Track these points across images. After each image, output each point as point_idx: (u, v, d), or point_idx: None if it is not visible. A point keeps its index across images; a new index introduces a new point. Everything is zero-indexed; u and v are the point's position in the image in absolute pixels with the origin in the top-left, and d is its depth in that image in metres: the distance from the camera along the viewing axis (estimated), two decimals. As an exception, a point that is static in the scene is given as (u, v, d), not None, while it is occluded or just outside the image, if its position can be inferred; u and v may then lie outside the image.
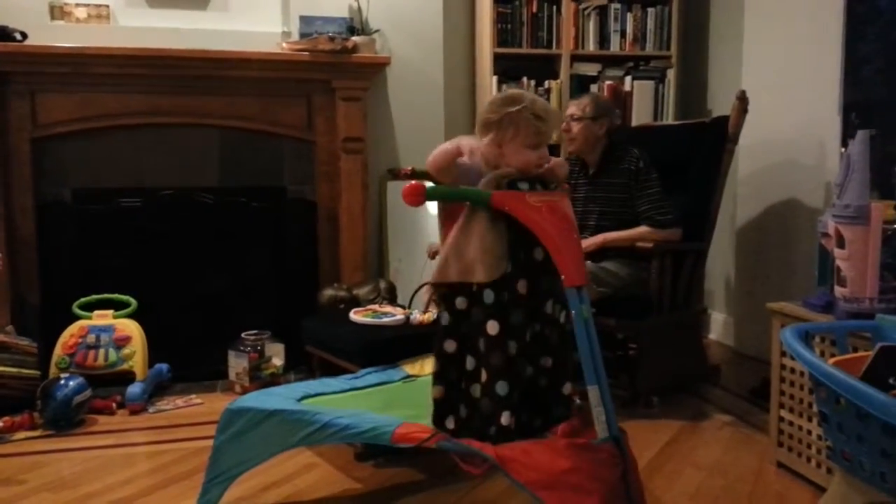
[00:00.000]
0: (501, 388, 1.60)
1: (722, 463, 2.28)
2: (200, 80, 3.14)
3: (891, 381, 1.44)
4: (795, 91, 3.11)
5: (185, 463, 2.29)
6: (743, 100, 2.90)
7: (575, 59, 3.72)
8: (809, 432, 2.09)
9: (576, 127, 2.88)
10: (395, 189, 3.46)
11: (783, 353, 2.18)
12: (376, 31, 3.38)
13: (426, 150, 3.62)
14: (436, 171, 1.68)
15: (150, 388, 2.87)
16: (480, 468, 1.57)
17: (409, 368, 2.30)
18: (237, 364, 2.95)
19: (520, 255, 1.62)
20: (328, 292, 3.12)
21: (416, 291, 2.98)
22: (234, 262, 3.33)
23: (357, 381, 2.18)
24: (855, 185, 1.96)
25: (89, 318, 2.91)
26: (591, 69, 3.75)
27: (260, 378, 2.93)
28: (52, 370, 2.77)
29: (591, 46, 3.73)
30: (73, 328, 2.87)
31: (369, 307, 2.83)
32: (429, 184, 1.66)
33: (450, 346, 1.67)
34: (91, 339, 2.84)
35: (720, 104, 3.65)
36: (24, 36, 2.95)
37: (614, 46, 3.75)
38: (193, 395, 2.91)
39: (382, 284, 3.16)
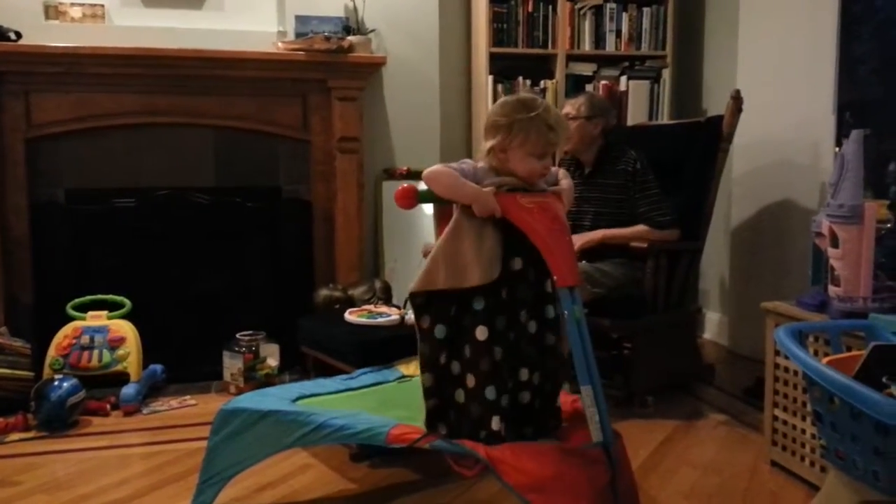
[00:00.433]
0: (490, 392, 1.60)
1: (716, 462, 2.28)
2: (196, 80, 3.13)
3: (884, 380, 1.45)
4: (790, 90, 3.11)
5: (180, 464, 2.28)
6: (737, 99, 2.90)
7: (570, 58, 3.72)
8: (803, 431, 2.10)
9: (573, 126, 2.88)
10: (391, 189, 3.45)
11: (777, 353, 2.18)
12: (372, 30, 3.38)
13: (422, 150, 3.68)
14: (441, 189, 1.64)
15: (144, 390, 2.86)
16: (473, 470, 1.57)
17: (404, 369, 2.30)
18: (232, 365, 2.95)
19: (506, 264, 1.62)
20: (323, 292, 3.12)
21: (411, 291, 2.97)
22: (229, 263, 3.33)
23: (352, 382, 2.17)
24: (849, 184, 1.96)
25: (83, 318, 2.90)
26: (586, 69, 3.76)
27: (255, 379, 2.93)
28: (46, 371, 2.76)
29: (587, 46, 3.73)
30: (67, 329, 2.86)
31: (364, 307, 2.83)
32: (421, 186, 1.66)
33: (443, 357, 1.65)
34: (85, 340, 2.83)
35: (715, 104, 3.65)
36: (19, 35, 2.94)
37: (610, 46, 3.75)
38: (188, 396, 2.90)
39: (378, 284, 3.16)
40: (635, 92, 3.74)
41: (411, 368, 2.29)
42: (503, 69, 3.66)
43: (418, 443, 1.60)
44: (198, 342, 3.13)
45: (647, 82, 3.75)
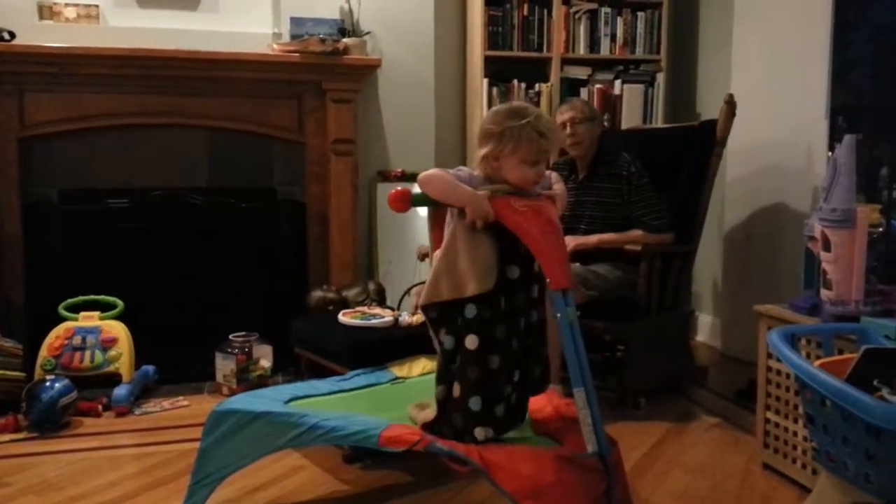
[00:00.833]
0: (475, 403, 1.60)
1: (709, 464, 2.29)
2: (190, 81, 3.12)
3: (875, 383, 1.45)
4: (783, 95, 3.13)
5: (172, 465, 2.27)
6: (731, 104, 2.92)
7: (565, 62, 3.73)
8: (795, 434, 2.11)
9: (580, 129, 2.88)
10: (385, 191, 3.43)
11: (769, 355, 2.19)
12: (367, 33, 3.38)
13: (417, 153, 3.68)
14: (435, 192, 1.64)
15: (136, 390, 2.85)
16: (466, 467, 1.57)
17: (398, 370, 2.30)
18: (225, 366, 2.94)
19: (502, 271, 1.62)
20: (317, 294, 3.11)
21: (405, 293, 2.98)
22: (223, 264, 3.32)
23: (345, 383, 2.17)
24: (841, 188, 1.97)
25: (75, 319, 2.89)
26: (581, 73, 3.77)
27: (248, 380, 2.92)
28: (38, 372, 2.75)
29: (582, 50, 3.74)
30: (59, 329, 2.85)
31: (358, 309, 2.82)
32: (415, 189, 1.66)
33: (453, 368, 1.65)
34: (77, 340, 2.82)
35: (709, 108, 3.67)
36: (13, 35, 2.93)
37: (604, 50, 3.76)
38: (180, 397, 2.89)
39: (372, 286, 3.16)
40: (629, 96, 3.75)
41: (404, 370, 2.29)
42: (498, 72, 3.67)
43: (413, 447, 1.60)
44: (190, 343, 3.12)
45: (641, 86, 3.77)
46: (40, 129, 3.03)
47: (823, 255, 2.02)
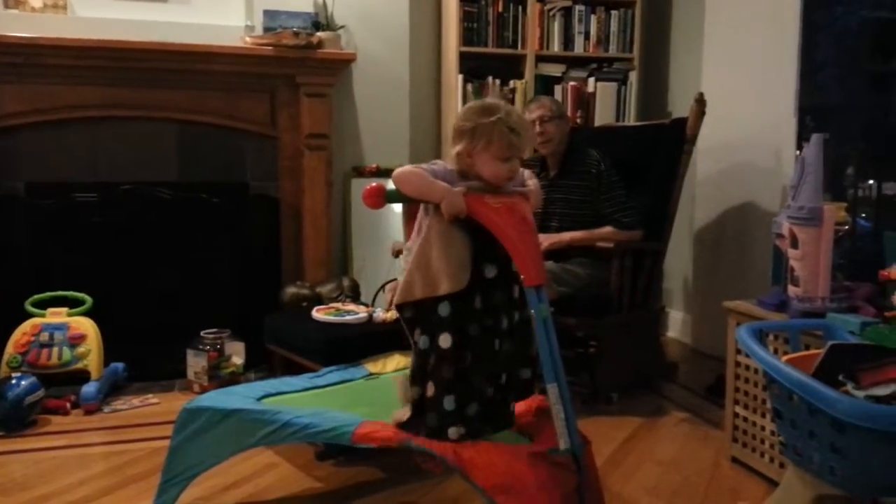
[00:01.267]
0: (448, 402, 1.60)
1: (679, 458, 2.32)
2: (160, 74, 3.08)
3: (841, 378, 1.48)
4: (753, 95, 3.17)
5: (142, 464, 2.25)
6: (700, 102, 2.95)
7: (540, 59, 3.74)
8: (763, 428, 2.14)
9: (550, 127, 2.90)
10: (360, 186, 3.44)
11: (738, 351, 2.23)
12: (342, 27, 3.36)
13: (391, 148, 3.67)
14: (410, 189, 1.63)
15: (105, 388, 2.81)
16: (439, 466, 1.57)
17: (371, 367, 2.29)
18: (196, 363, 2.91)
19: (477, 269, 1.62)
20: (290, 290, 3.09)
21: (379, 289, 2.97)
22: (194, 259, 3.27)
23: (318, 380, 2.16)
24: (808, 187, 2.01)
25: (43, 315, 2.83)
26: (555, 70, 3.78)
27: (219, 377, 2.89)
28: (3, 369, 2.70)
29: (556, 47, 3.76)
30: (26, 326, 2.79)
31: (332, 305, 2.81)
32: (389, 185, 1.66)
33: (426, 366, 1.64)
34: (44, 337, 2.77)
35: (680, 106, 3.71)
36: (-24, 24, 2.86)
37: (578, 48, 3.78)
38: (150, 395, 2.86)
39: (346, 282, 3.14)
40: (603, 93, 3.78)
41: (378, 366, 2.28)
42: (473, 68, 3.67)
43: (387, 444, 1.60)
44: (161, 340, 3.08)
45: (614, 84, 3.79)
46: (5, 121, 2.96)
47: (791, 252, 2.05)
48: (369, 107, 3.52)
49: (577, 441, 1.53)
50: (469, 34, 3.63)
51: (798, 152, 2.88)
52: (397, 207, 3.23)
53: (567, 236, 2.82)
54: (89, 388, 2.69)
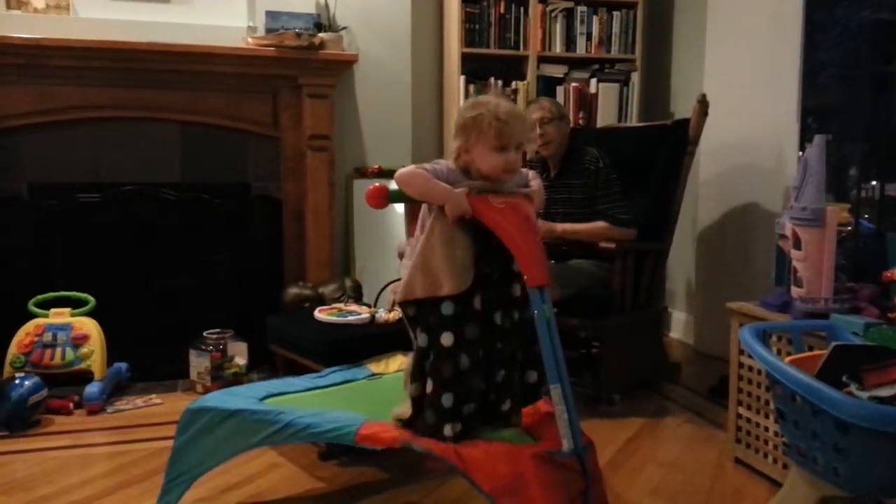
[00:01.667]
0: (447, 400, 1.60)
1: (682, 459, 2.32)
2: (163, 75, 3.08)
3: (844, 379, 1.48)
4: (755, 96, 3.17)
5: (145, 464, 2.25)
6: (703, 103, 2.95)
7: (542, 60, 3.74)
8: (766, 429, 2.14)
9: (550, 129, 2.90)
10: (362, 187, 3.44)
11: (741, 352, 2.22)
12: (344, 27, 3.36)
13: (393, 149, 3.67)
14: (413, 191, 1.64)
15: (108, 388, 2.81)
16: (444, 464, 1.58)
17: (374, 367, 2.29)
18: (199, 363, 2.91)
19: (476, 268, 1.62)
20: (293, 291, 3.10)
21: (381, 290, 2.97)
22: (197, 260, 3.28)
23: (321, 380, 2.16)
24: (811, 188, 2.01)
25: (46, 316, 2.83)
26: (557, 71, 3.79)
27: (222, 377, 2.89)
28: (7, 369, 2.70)
29: (558, 48, 3.76)
30: (29, 326, 2.79)
31: (334, 306, 2.81)
32: (392, 185, 1.66)
33: (427, 366, 1.64)
34: (48, 337, 2.77)
35: (683, 107, 3.71)
36: (-21, 25, 2.86)
37: (580, 49, 3.79)
38: (153, 395, 2.86)
39: (348, 283, 3.15)
40: (605, 94, 3.78)
41: (381, 367, 2.28)
42: (475, 70, 3.67)
43: (389, 445, 1.60)
44: (164, 340, 3.08)
45: (616, 85, 3.80)
46: (8, 121, 2.96)
47: (794, 253, 2.05)
48: (371, 108, 3.52)
49: (580, 442, 1.53)
50: (471, 35, 3.63)
51: (800, 153, 2.88)
52: (400, 208, 3.23)
53: (559, 227, 2.81)
54: (92, 389, 2.69)
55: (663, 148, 3.06)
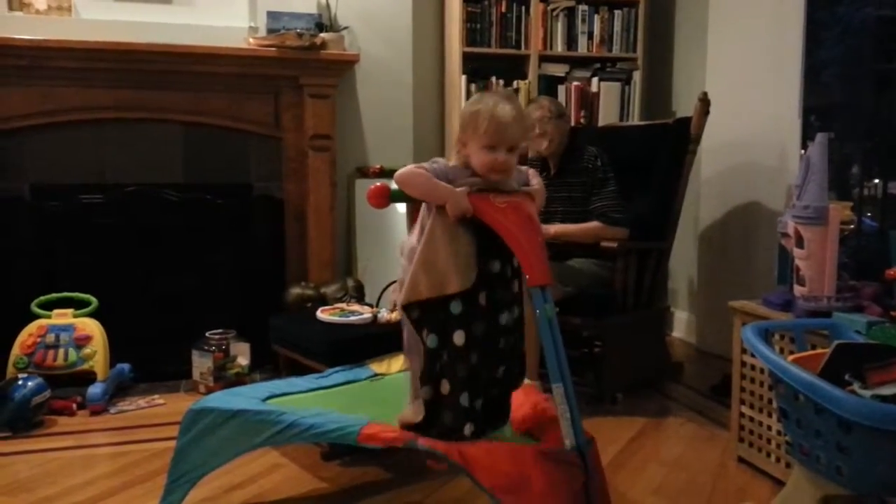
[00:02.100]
0: (464, 399, 1.61)
1: (684, 458, 2.32)
2: (165, 75, 3.08)
3: (847, 377, 1.48)
4: (757, 94, 3.17)
5: (148, 464, 2.25)
6: (704, 101, 2.95)
7: (543, 59, 3.74)
8: (769, 428, 2.14)
9: (549, 127, 2.90)
10: (364, 187, 3.43)
11: (744, 351, 2.22)
12: (345, 27, 3.36)
13: (395, 149, 3.66)
14: (414, 191, 1.64)
15: (111, 389, 2.81)
16: (443, 464, 1.58)
17: (377, 367, 2.29)
18: (201, 364, 2.91)
19: (479, 266, 1.62)
20: (295, 291, 3.10)
21: (384, 290, 2.97)
22: (199, 260, 3.28)
23: (323, 381, 2.16)
24: (814, 186, 2.01)
25: (48, 316, 2.84)
26: (558, 70, 3.78)
27: (225, 378, 2.90)
28: (10, 370, 2.70)
29: (559, 47, 3.76)
30: (32, 327, 2.80)
31: (337, 306, 2.81)
32: (393, 185, 1.66)
33: (438, 367, 1.64)
34: (50, 338, 2.77)
35: (684, 106, 3.70)
36: (-19, 27, 2.87)
37: (581, 48, 3.78)
38: (156, 396, 2.87)
39: (350, 283, 3.15)
40: (606, 93, 3.78)
41: (383, 367, 2.28)
42: (476, 69, 3.67)
43: (392, 444, 1.60)
44: (166, 341, 3.08)
45: (618, 84, 3.79)
46: (11, 123, 2.97)
47: (796, 251, 2.05)
48: (373, 108, 3.52)
49: (582, 438, 1.53)
50: (472, 35, 3.63)
51: (803, 151, 2.88)
52: (401, 207, 3.23)
53: (552, 230, 2.81)
54: (95, 389, 2.69)
55: (665, 147, 3.06)
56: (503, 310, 1.67)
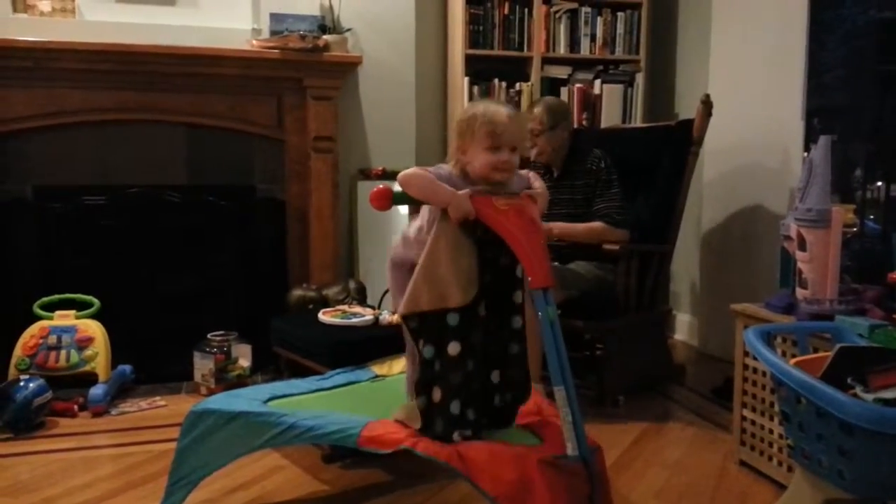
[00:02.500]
0: (455, 407, 1.60)
1: (686, 461, 2.31)
2: (168, 77, 3.09)
3: (849, 380, 1.48)
4: (760, 96, 3.16)
5: (149, 466, 2.25)
6: (707, 104, 2.94)
7: (546, 61, 3.74)
8: (771, 431, 2.13)
9: (540, 141, 2.89)
10: (366, 189, 3.44)
11: (746, 353, 2.21)
12: (348, 29, 3.37)
13: (397, 151, 3.67)
14: (416, 192, 1.64)
15: (113, 390, 2.82)
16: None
17: (378, 369, 2.29)
18: (203, 365, 2.91)
19: (480, 279, 1.62)
20: (297, 292, 3.10)
21: (386, 292, 2.97)
22: (201, 262, 3.29)
23: (325, 382, 2.16)
24: (816, 189, 2.00)
25: (51, 318, 2.84)
26: (561, 72, 3.78)
27: (226, 380, 2.90)
28: (12, 371, 2.71)
29: (562, 49, 3.75)
30: (34, 328, 2.80)
31: (338, 307, 2.81)
32: (396, 187, 1.66)
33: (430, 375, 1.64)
34: (52, 339, 2.78)
35: (687, 108, 3.69)
36: (-15, 29, 2.88)
37: (584, 50, 3.78)
38: (158, 397, 2.87)
39: (352, 285, 3.15)
40: (609, 95, 3.77)
41: (384, 368, 2.28)
42: (479, 71, 3.67)
43: (393, 449, 1.60)
44: (168, 342, 3.09)
45: (620, 86, 3.79)
46: (14, 124, 2.98)
47: (799, 254, 2.04)
48: (375, 109, 3.53)
49: (585, 446, 1.52)
50: (475, 37, 3.63)
51: (805, 154, 2.87)
52: (404, 209, 3.23)
53: (556, 229, 2.79)
54: (97, 391, 2.70)
55: (667, 149, 3.05)
56: (503, 320, 1.66)
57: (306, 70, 3.22)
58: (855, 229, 2.13)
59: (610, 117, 3.77)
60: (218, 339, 2.96)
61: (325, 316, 2.67)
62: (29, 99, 2.98)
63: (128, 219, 3.17)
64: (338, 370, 2.25)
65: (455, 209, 1.59)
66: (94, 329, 2.85)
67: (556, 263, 2.75)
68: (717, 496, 2.08)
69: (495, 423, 1.71)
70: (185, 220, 3.25)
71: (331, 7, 3.35)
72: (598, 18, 3.78)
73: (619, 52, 3.81)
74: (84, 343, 2.81)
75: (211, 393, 2.73)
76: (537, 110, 2.91)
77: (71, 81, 3.00)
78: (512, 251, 1.59)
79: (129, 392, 2.93)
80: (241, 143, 3.28)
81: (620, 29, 3.79)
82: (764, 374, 2.13)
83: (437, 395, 1.61)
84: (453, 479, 2.06)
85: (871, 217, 3.07)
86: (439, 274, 1.59)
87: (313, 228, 3.33)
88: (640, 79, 3.79)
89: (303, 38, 3.15)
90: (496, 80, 3.69)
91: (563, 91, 3.75)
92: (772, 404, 2.11)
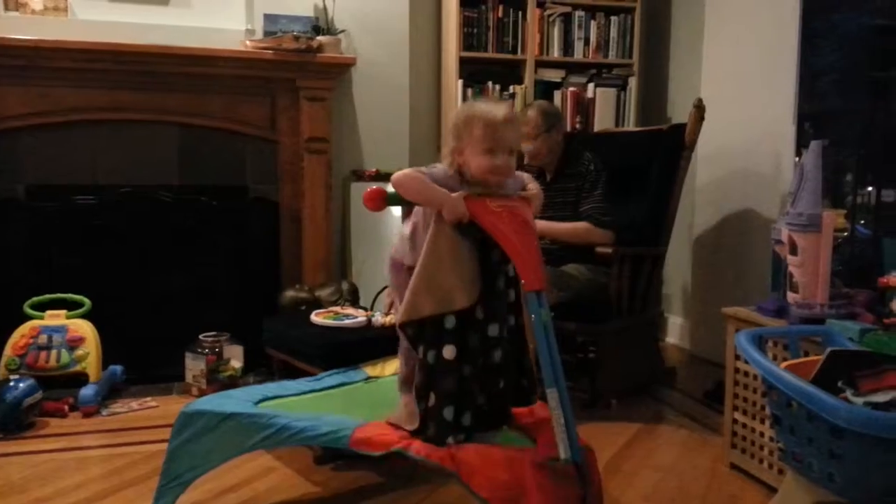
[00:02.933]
0: (448, 413, 1.60)
1: (677, 464, 2.32)
2: (161, 77, 3.08)
3: (840, 384, 1.48)
4: (752, 101, 3.18)
5: (140, 467, 2.24)
6: (699, 108, 2.95)
7: (539, 64, 3.75)
8: (762, 434, 2.14)
9: (538, 143, 2.89)
10: (359, 190, 3.44)
11: (737, 357, 2.22)
12: (342, 31, 3.37)
13: (391, 153, 3.67)
14: (410, 194, 1.64)
15: (103, 391, 2.81)
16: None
17: (370, 370, 2.29)
18: (194, 366, 2.90)
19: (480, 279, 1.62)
20: (289, 293, 3.09)
21: (378, 293, 2.97)
22: (193, 262, 3.27)
23: (317, 384, 2.15)
24: (808, 193, 2.01)
25: (41, 318, 2.83)
26: (555, 75, 3.79)
27: (218, 380, 2.89)
28: (2, 371, 2.69)
29: (556, 53, 3.77)
30: (24, 328, 2.79)
31: (331, 309, 2.81)
32: (389, 188, 1.66)
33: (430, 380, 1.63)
34: (43, 339, 2.76)
35: (680, 112, 3.71)
36: (-23, 27, 2.86)
37: (578, 53, 3.79)
38: (148, 398, 2.86)
39: (345, 286, 3.14)
40: (602, 99, 3.78)
41: (377, 370, 2.28)
42: (473, 74, 3.68)
43: (385, 451, 1.60)
44: (159, 343, 3.07)
45: (613, 90, 3.80)
46: (6, 123, 2.96)
47: (790, 258, 2.05)
48: (369, 111, 3.53)
49: (577, 449, 1.53)
50: (469, 39, 3.64)
51: (797, 159, 2.89)
52: (397, 211, 3.23)
53: (539, 225, 2.77)
54: (87, 391, 2.68)
55: (660, 153, 3.06)
56: (500, 321, 1.66)
57: (300, 71, 3.22)
58: (846, 234, 2.15)
59: (603, 121, 3.78)
60: (210, 339, 2.95)
61: (317, 317, 2.66)
62: (21, 98, 2.96)
63: (120, 219, 3.16)
64: (330, 371, 2.25)
65: (449, 211, 1.59)
66: (85, 329, 2.83)
67: (549, 266, 2.75)
68: (708, 499, 2.09)
69: (489, 423, 1.70)
70: (177, 220, 3.23)
71: (325, 8, 3.35)
72: (592, 22, 3.79)
73: (613, 56, 3.82)
74: (75, 343, 2.79)
75: (202, 394, 2.72)
76: (531, 113, 2.93)
77: (63, 80, 2.99)
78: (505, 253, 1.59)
79: (120, 392, 2.92)
80: (234, 144, 3.28)
81: (614, 33, 3.81)
82: (755, 377, 2.14)
83: (431, 399, 1.61)
84: (446, 481, 2.05)
85: (862, 222, 3.09)
86: (441, 277, 1.58)
87: (306, 229, 3.33)
88: (633, 83, 3.80)
89: (296, 38, 3.14)
90: (490, 83, 3.70)
91: (557, 94, 3.76)
92: (763, 408, 2.12)
